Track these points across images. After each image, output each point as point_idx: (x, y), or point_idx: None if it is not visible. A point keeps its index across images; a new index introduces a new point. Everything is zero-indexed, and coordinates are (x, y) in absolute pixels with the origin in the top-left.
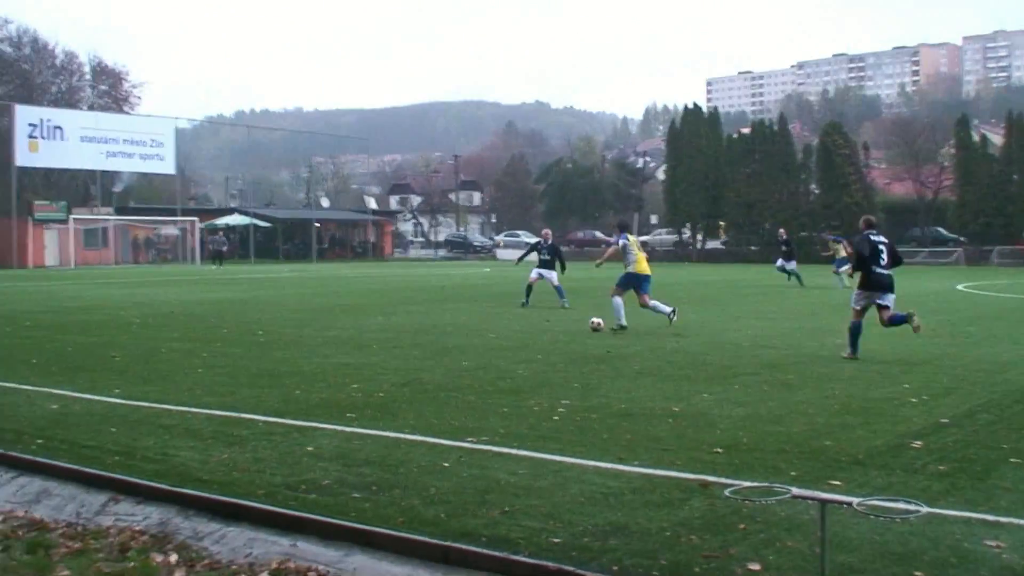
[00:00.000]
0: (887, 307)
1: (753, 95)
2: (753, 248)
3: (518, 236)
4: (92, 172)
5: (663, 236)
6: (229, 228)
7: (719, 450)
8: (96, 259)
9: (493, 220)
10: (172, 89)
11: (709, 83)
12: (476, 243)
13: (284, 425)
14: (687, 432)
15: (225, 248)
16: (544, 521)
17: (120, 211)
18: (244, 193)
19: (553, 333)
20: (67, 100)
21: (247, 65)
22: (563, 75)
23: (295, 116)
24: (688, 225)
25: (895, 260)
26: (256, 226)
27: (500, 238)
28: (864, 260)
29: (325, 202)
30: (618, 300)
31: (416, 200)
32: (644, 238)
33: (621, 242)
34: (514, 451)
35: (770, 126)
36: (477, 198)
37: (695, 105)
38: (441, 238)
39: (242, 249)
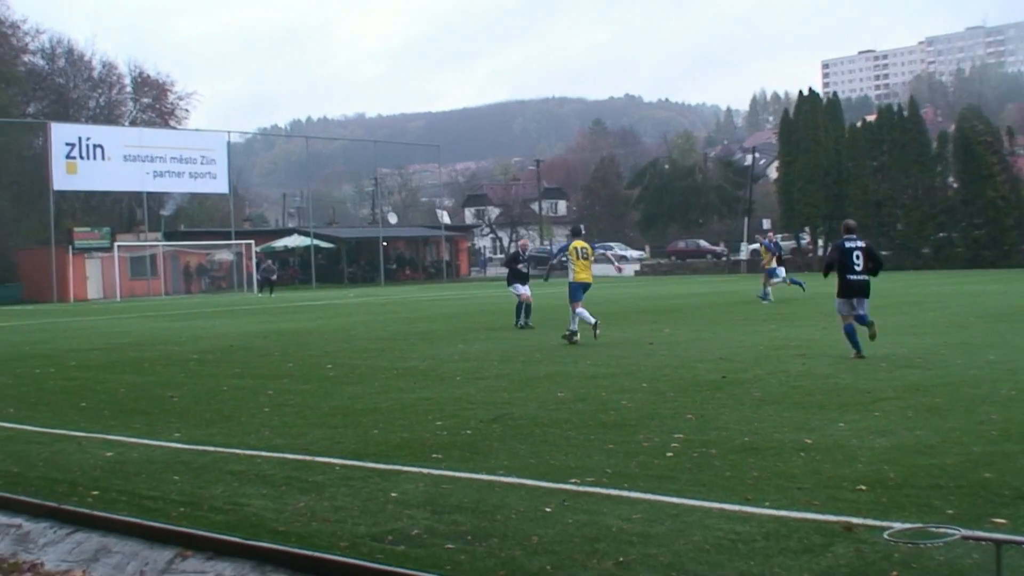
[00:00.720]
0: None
1: (877, 77)
2: (885, 253)
3: (611, 248)
4: (137, 194)
5: (778, 242)
6: (288, 250)
7: (862, 487)
8: (144, 290)
9: (584, 231)
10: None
11: (826, 65)
12: (563, 258)
13: (363, 469)
14: (823, 467)
15: (274, 277)
16: (665, 572)
17: (169, 236)
18: (303, 211)
19: (658, 358)
20: (107, 116)
21: (302, 70)
22: (655, 64)
23: (357, 124)
24: (807, 229)
25: (874, 264)
26: (317, 247)
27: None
28: (831, 268)
29: (392, 218)
30: (581, 310)
31: (494, 212)
32: (754, 246)
33: (559, 255)
34: (625, 493)
35: (899, 112)
36: (563, 207)
37: (810, 91)
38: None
39: (303, 273)
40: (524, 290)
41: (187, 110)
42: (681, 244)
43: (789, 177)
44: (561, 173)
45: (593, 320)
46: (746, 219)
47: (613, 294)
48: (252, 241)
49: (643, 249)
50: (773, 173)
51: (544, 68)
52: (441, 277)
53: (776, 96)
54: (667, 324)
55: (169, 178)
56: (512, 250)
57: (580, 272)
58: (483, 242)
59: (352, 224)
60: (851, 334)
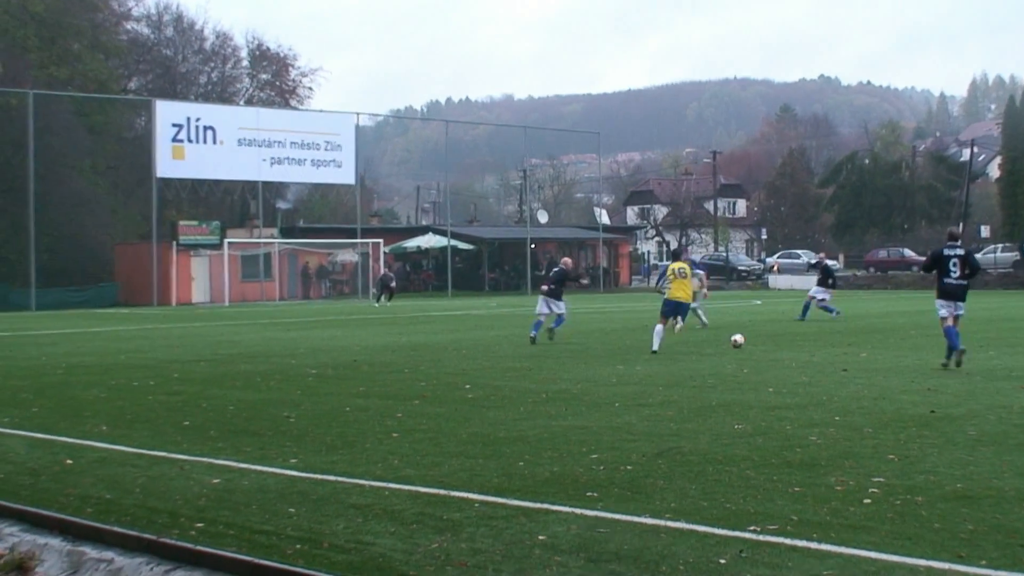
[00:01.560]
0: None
1: None
2: None
3: (798, 257)
4: (252, 184)
5: (999, 254)
6: (421, 252)
7: None
8: (257, 293)
9: (764, 236)
10: (350, 78)
11: None
12: (741, 267)
13: (507, 507)
14: None
15: (393, 284)
16: None
17: (286, 233)
18: (439, 207)
19: (853, 387)
20: (220, 93)
21: (443, 45)
22: (855, 41)
23: (504, 107)
24: None
25: (971, 271)
26: (455, 249)
27: (774, 260)
28: (929, 271)
29: (543, 216)
30: (658, 327)
31: (661, 212)
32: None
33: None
34: (814, 545)
35: None
36: (742, 207)
37: None
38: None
39: (438, 278)
40: (545, 308)
41: (311, 88)
42: (882, 253)
43: (1013, 176)
44: (741, 167)
45: (655, 347)
46: (961, 225)
47: (799, 311)
48: (380, 240)
49: (836, 258)
50: (995, 171)
51: (725, 45)
52: (598, 286)
53: (1000, 80)
54: (864, 347)
55: (288, 166)
56: (559, 268)
57: (674, 290)
58: (647, 246)
59: (496, 223)
60: (950, 335)
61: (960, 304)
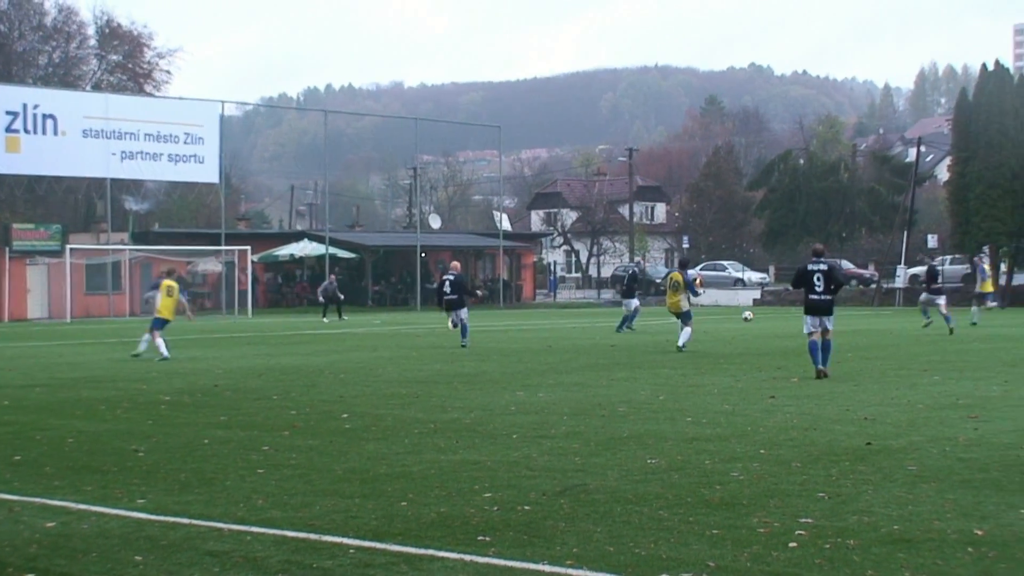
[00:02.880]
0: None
1: None
2: None
3: (724, 269)
4: (99, 182)
5: (947, 267)
6: (294, 260)
7: None
8: (104, 308)
9: (686, 245)
10: (214, 61)
11: (1020, 31)
12: (660, 279)
13: (386, 553)
14: (997, 567)
15: (342, 297)
16: None
17: (139, 238)
18: (317, 209)
19: (782, 416)
20: (62, 77)
21: (321, 24)
22: (790, 26)
23: (393, 96)
24: (985, 250)
25: (835, 286)
26: (335, 257)
27: (697, 272)
28: (796, 287)
29: (436, 221)
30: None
31: (570, 217)
32: (918, 269)
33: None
34: None
35: None
36: (661, 212)
37: (997, 64)
38: (608, 273)
39: (314, 291)
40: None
41: (169, 72)
42: None
43: (964, 180)
44: (661, 167)
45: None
46: (905, 234)
47: (725, 329)
48: (249, 247)
49: (766, 271)
50: (944, 173)
51: (644, 29)
52: (497, 301)
53: (951, 71)
54: (795, 372)
55: (142, 161)
56: (451, 276)
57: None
58: (554, 256)
59: (382, 228)
60: (813, 350)
61: (827, 319)
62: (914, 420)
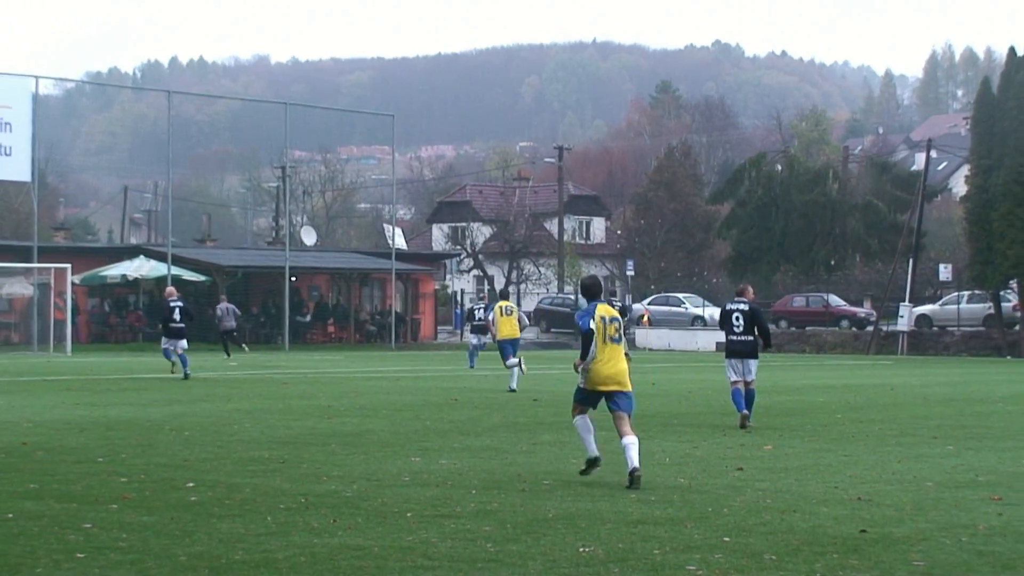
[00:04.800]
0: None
1: None
2: None
3: (679, 304)
4: None
5: (964, 305)
6: (127, 284)
7: None
8: None
9: (630, 272)
10: (25, 24)
11: None
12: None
13: None
14: None
15: (233, 323)
16: None
17: None
18: (156, 218)
19: (752, 493)
20: None
21: None
22: None
23: (255, 73)
24: (1012, 284)
25: (758, 328)
26: (179, 280)
27: (643, 307)
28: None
29: (310, 236)
30: (580, 420)
31: (483, 233)
32: (927, 308)
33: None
34: None
35: None
36: (600, 229)
37: None
38: (530, 307)
39: (152, 321)
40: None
41: None
42: (799, 301)
43: (986, 195)
44: (600, 172)
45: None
46: (910, 262)
47: (680, 381)
48: (68, 265)
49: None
50: (960, 186)
51: None
52: (387, 340)
53: (970, 55)
54: (769, 437)
55: None
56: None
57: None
58: (462, 283)
59: (240, 243)
60: (736, 397)
61: (750, 362)
62: (921, 502)
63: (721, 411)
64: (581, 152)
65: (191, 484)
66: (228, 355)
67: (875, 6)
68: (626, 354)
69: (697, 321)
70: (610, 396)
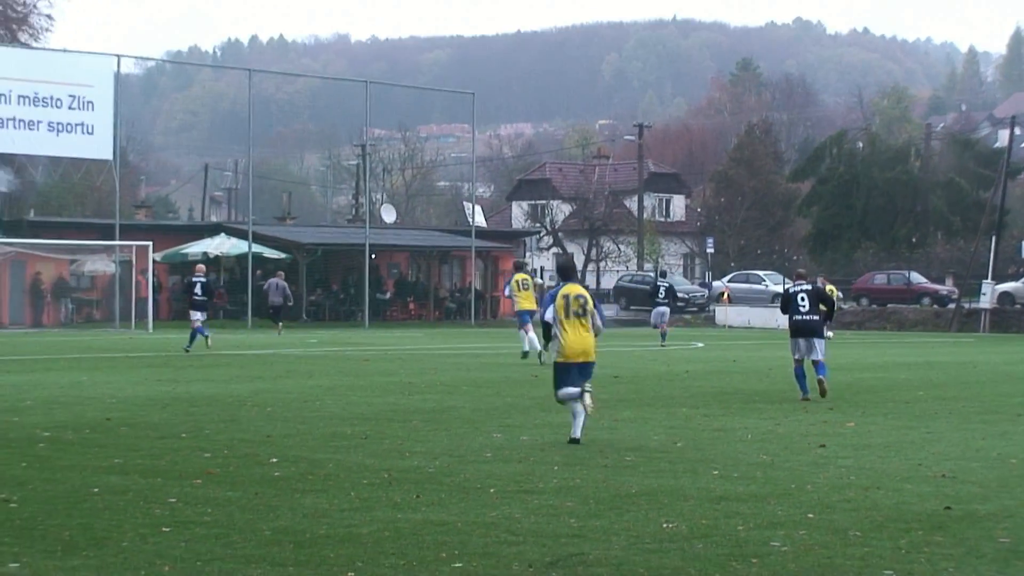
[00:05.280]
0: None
1: None
2: None
3: (759, 281)
4: None
5: None
6: (209, 261)
7: None
8: None
9: (710, 249)
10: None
11: None
12: (678, 292)
13: None
14: None
15: (282, 300)
16: None
17: (9, 229)
18: (237, 196)
19: (835, 470)
20: None
21: None
22: None
23: (334, 51)
24: None
25: (825, 305)
26: (260, 258)
27: (724, 284)
28: (784, 312)
29: (389, 214)
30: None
31: (562, 211)
32: (1009, 285)
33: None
34: None
35: None
36: (679, 207)
37: None
38: (610, 284)
39: (233, 300)
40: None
41: (50, 17)
42: (880, 278)
43: None
44: (680, 149)
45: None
46: (993, 239)
47: (760, 359)
48: (150, 243)
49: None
50: None
51: None
52: (467, 317)
53: None
54: (851, 414)
55: (14, 131)
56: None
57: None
58: (542, 260)
59: (320, 222)
60: (799, 376)
61: (816, 341)
62: (1006, 479)
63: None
64: (661, 130)
65: (274, 460)
66: (279, 332)
67: None
68: (596, 327)
69: (777, 299)
70: (581, 367)
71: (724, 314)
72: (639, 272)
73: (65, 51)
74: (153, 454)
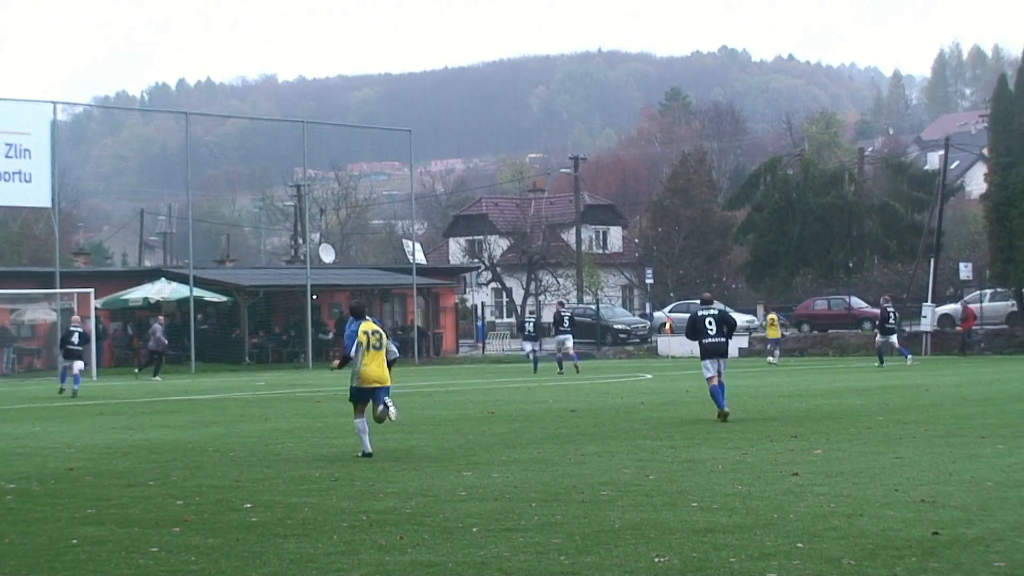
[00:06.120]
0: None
1: None
2: None
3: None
4: None
5: (987, 303)
6: (150, 306)
7: None
8: None
9: (649, 280)
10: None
11: None
12: (618, 324)
13: None
14: None
15: (164, 344)
16: None
17: None
18: (171, 240)
19: (812, 497)
20: None
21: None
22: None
23: (262, 92)
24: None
25: (728, 328)
26: (201, 302)
27: (665, 315)
28: (691, 336)
29: (328, 254)
30: (359, 422)
31: (500, 246)
32: (949, 307)
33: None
34: None
35: None
36: (616, 238)
37: None
38: (549, 317)
39: (175, 345)
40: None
41: None
42: (820, 304)
43: (1006, 192)
44: (613, 180)
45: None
46: (931, 262)
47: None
48: (91, 290)
49: (752, 311)
50: (974, 184)
51: (585, 4)
52: (410, 355)
53: (979, 54)
54: (816, 441)
55: None
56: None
57: (368, 368)
58: (481, 296)
59: (255, 263)
60: (715, 394)
61: (723, 361)
62: (985, 502)
63: (761, 416)
64: (593, 161)
65: (248, 505)
66: (151, 376)
67: (880, 7)
68: (392, 356)
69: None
70: (374, 392)
71: (667, 345)
72: (580, 304)
73: (4, 100)
74: (124, 503)
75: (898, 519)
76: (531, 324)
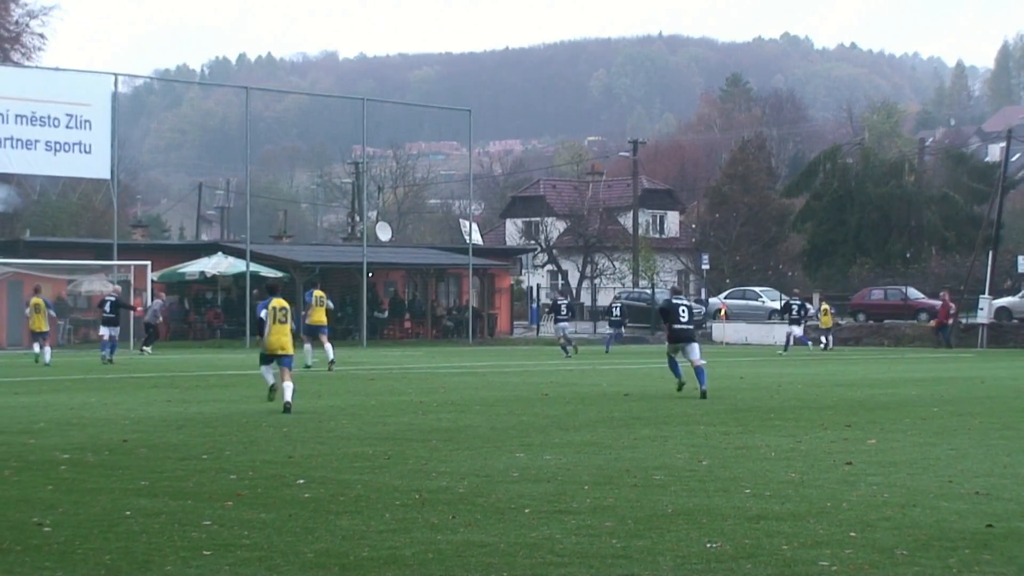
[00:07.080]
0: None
1: None
2: None
3: (756, 297)
4: None
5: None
6: (206, 280)
7: None
8: None
9: (705, 266)
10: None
11: None
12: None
13: None
14: None
15: (159, 320)
16: None
17: (6, 250)
18: (229, 215)
19: (866, 487)
20: None
21: None
22: None
23: (322, 69)
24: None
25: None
26: (257, 277)
27: (721, 301)
28: (662, 320)
29: (384, 232)
30: (264, 368)
31: (556, 228)
32: (1007, 300)
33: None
34: None
35: None
36: (673, 222)
37: None
38: (605, 300)
39: (230, 319)
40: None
41: (43, 36)
42: (877, 294)
43: None
44: (672, 165)
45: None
46: (990, 254)
47: (766, 375)
48: (148, 262)
49: (809, 300)
50: None
51: None
52: (464, 335)
53: None
54: (870, 431)
55: (12, 150)
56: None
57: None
58: (536, 278)
59: (311, 239)
60: (673, 366)
61: (694, 344)
62: None
63: (816, 405)
64: (652, 146)
65: (301, 481)
66: (141, 351)
67: None
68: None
69: (775, 315)
70: (280, 358)
71: (722, 331)
72: (635, 289)
73: (61, 70)
74: (178, 476)
75: (952, 511)
76: (564, 306)
